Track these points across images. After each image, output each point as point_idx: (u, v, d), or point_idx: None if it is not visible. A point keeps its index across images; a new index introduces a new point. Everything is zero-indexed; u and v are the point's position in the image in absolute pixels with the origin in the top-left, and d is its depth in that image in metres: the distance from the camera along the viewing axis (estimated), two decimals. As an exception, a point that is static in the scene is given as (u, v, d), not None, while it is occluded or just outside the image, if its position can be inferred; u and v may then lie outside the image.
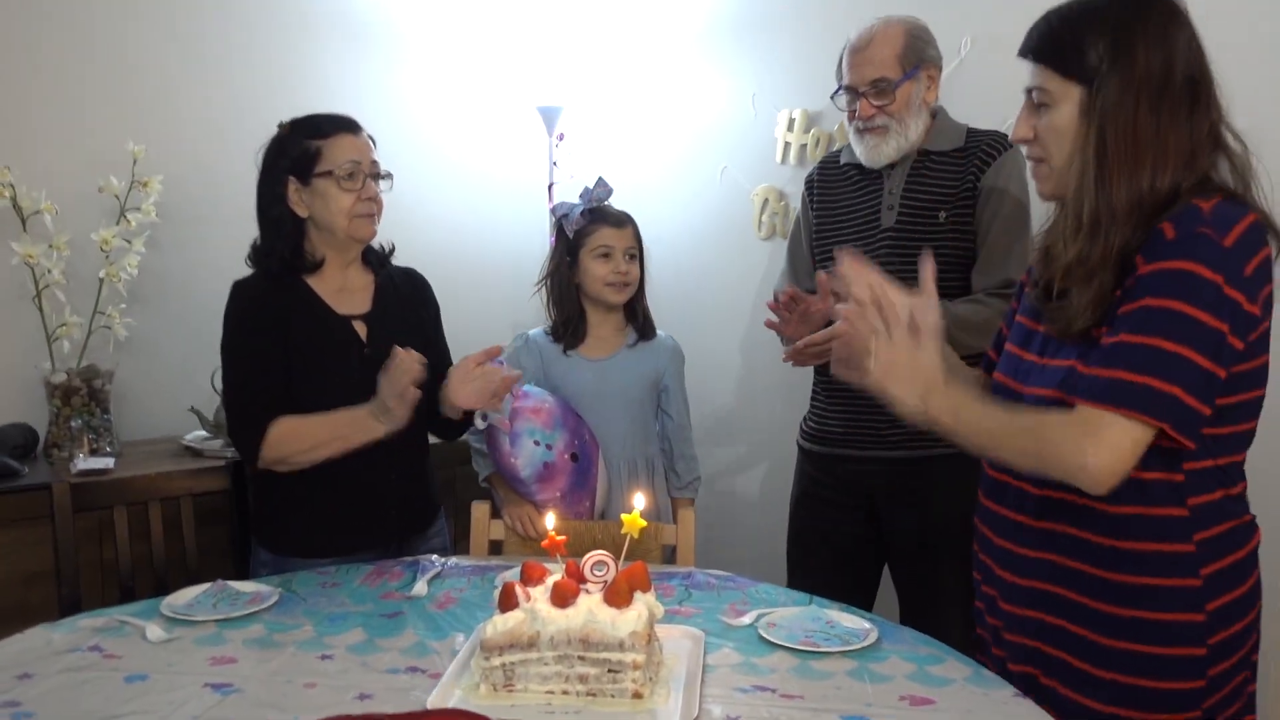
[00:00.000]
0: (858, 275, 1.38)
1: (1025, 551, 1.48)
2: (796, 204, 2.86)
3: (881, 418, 2.15)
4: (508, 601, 1.43)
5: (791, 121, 2.84)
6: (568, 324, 2.32)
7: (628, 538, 1.49)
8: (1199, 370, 1.26)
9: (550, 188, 3.27)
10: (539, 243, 3.40)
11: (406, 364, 1.81)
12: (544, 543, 1.49)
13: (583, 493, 2.15)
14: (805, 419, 2.36)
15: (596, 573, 1.46)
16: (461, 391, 1.95)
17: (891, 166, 2.16)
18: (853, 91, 2.13)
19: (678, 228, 3.06)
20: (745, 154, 3.00)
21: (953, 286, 2.05)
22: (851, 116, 2.15)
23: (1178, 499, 1.36)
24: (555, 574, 1.48)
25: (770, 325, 2.20)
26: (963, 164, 2.10)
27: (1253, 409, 1.39)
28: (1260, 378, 1.37)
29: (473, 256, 3.23)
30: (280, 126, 1.99)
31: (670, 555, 2.21)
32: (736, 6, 2.99)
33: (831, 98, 2.19)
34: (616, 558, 1.47)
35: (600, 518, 2.24)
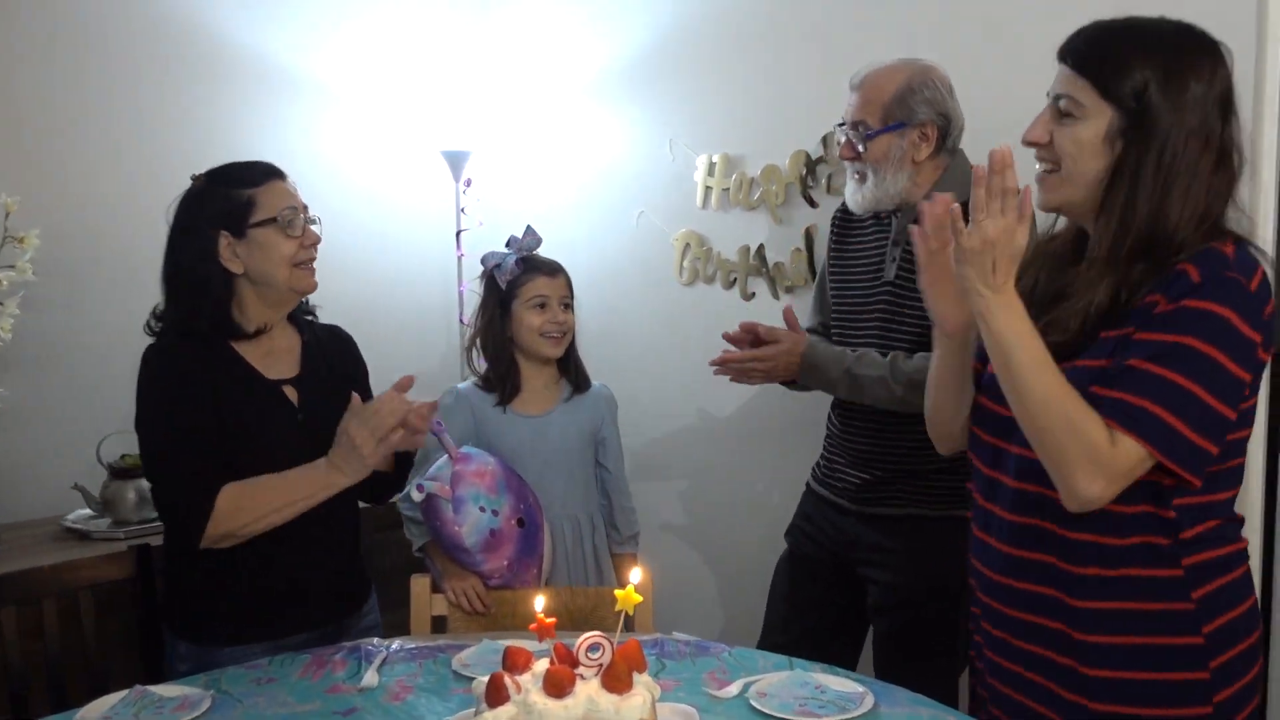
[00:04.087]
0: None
1: (1009, 581, 1.46)
2: (719, 249, 2.85)
3: (858, 476, 2.13)
4: (497, 694, 1.30)
5: (712, 165, 2.80)
6: (501, 379, 2.21)
7: (622, 614, 1.38)
8: (1217, 415, 1.29)
9: (458, 235, 3.14)
10: (445, 292, 3.27)
11: (392, 404, 1.66)
12: (532, 626, 1.36)
13: (530, 560, 2.03)
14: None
15: (591, 655, 1.34)
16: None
17: (896, 216, 2.09)
18: (842, 124, 2.09)
19: (595, 274, 2.97)
20: (664, 199, 2.94)
21: None
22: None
23: (1166, 530, 1.36)
24: (541, 659, 1.36)
25: (721, 358, 2.15)
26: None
27: (1243, 445, 1.41)
28: (1251, 416, 1.39)
29: (376, 307, 3.05)
30: (194, 179, 1.82)
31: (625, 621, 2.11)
32: (651, 50, 2.94)
33: (839, 126, 2.13)
34: (611, 636, 1.36)
35: (545, 584, 2.12)
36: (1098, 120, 1.35)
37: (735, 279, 2.80)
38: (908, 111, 2.02)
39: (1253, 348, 1.30)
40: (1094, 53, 1.36)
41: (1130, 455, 1.28)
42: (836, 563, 2.19)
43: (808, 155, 2.62)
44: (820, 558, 2.21)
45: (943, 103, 2.04)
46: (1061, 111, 1.38)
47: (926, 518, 2.05)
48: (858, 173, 2.08)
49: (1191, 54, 1.34)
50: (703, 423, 2.94)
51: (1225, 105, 1.35)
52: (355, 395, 1.71)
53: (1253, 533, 2.18)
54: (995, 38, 2.31)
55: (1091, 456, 1.28)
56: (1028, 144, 1.41)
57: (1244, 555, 1.43)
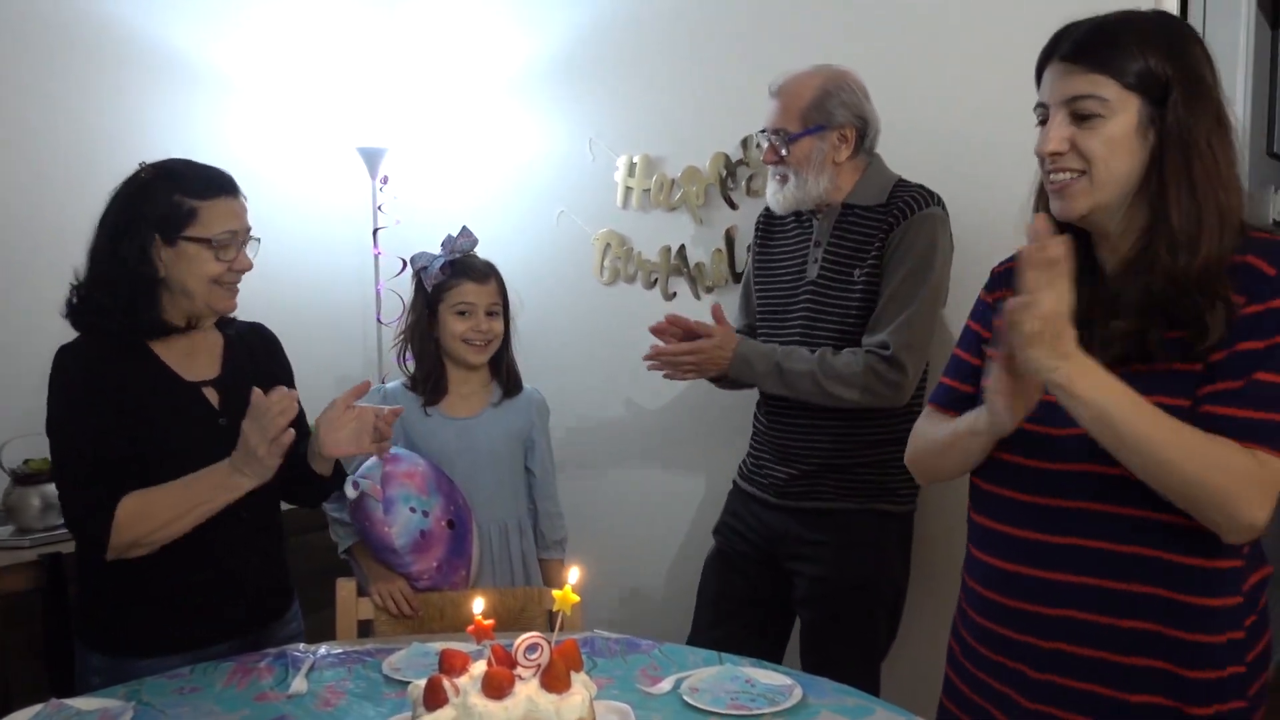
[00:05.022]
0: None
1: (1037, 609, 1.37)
2: (640, 249, 2.87)
3: (784, 471, 2.17)
4: (435, 697, 1.29)
5: (632, 166, 2.82)
6: (428, 380, 2.19)
7: (560, 615, 1.39)
8: None
9: (375, 233, 3.09)
10: (362, 291, 3.22)
11: (282, 403, 1.60)
12: (469, 628, 1.36)
13: (459, 561, 2.02)
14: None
15: (529, 656, 1.35)
16: (334, 438, 1.77)
17: (817, 217, 2.15)
18: (764, 131, 2.13)
19: (515, 273, 2.93)
20: (584, 198, 2.94)
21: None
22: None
23: (1236, 551, 1.30)
24: (478, 660, 1.36)
25: (654, 353, 2.18)
26: (880, 220, 2.06)
27: None
28: None
29: (291, 306, 2.96)
30: (142, 169, 1.75)
31: (551, 621, 2.11)
32: (572, 48, 2.94)
33: (760, 133, 2.18)
34: (548, 636, 1.36)
35: (472, 586, 2.11)
36: (1125, 114, 1.27)
37: (656, 279, 2.82)
38: (826, 115, 2.08)
39: None
40: (1103, 46, 1.28)
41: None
42: (764, 557, 2.23)
43: (727, 157, 2.67)
44: (748, 553, 2.25)
45: (859, 105, 2.10)
46: (1080, 114, 1.29)
47: (850, 511, 2.11)
48: (780, 175, 2.13)
49: (1186, 37, 1.30)
50: (624, 421, 2.96)
51: (1218, 84, 1.31)
52: (256, 391, 1.64)
53: None
54: (911, 42, 2.38)
55: (1248, 482, 1.21)
56: (1049, 155, 1.31)
57: (1269, 579, 1.39)
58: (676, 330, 2.18)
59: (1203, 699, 1.30)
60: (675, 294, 2.80)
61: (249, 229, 1.80)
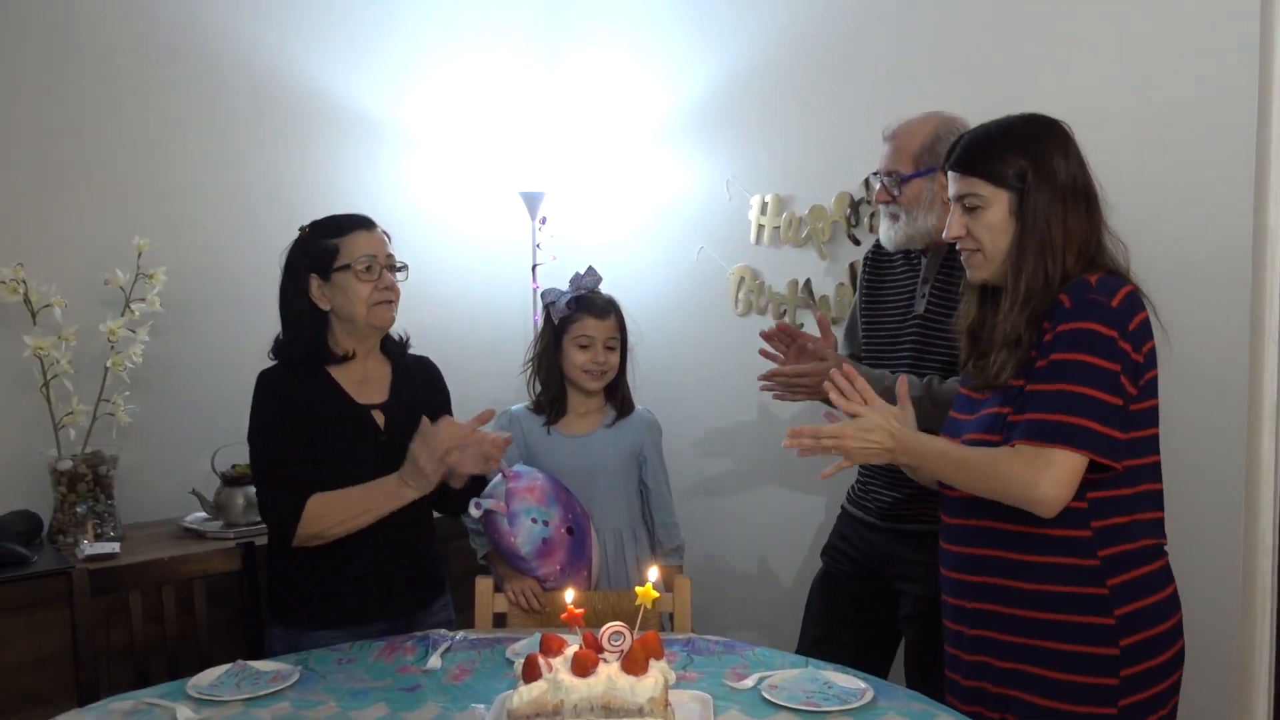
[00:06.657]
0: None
1: (962, 576, 1.77)
2: (770, 282, 3.04)
3: (891, 495, 2.29)
4: (531, 672, 1.52)
5: (765, 205, 3.01)
6: (552, 402, 2.44)
7: (641, 608, 1.59)
8: (1106, 405, 1.59)
9: (534, 269, 3.40)
10: (522, 322, 3.54)
11: (450, 430, 1.95)
12: (563, 615, 1.58)
13: (580, 563, 2.25)
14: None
15: (614, 642, 1.56)
16: (460, 458, 2.03)
17: (925, 255, 2.26)
18: (877, 174, 2.27)
19: (657, 305, 3.20)
20: (721, 235, 3.15)
21: None
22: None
23: (1081, 522, 1.64)
24: (573, 644, 1.58)
25: (764, 354, 2.33)
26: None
27: (1149, 445, 1.69)
28: (1152, 418, 1.69)
29: (459, 336, 3.32)
30: (301, 230, 2.12)
31: (667, 622, 2.31)
32: (710, 98, 3.17)
33: (874, 175, 2.32)
34: (631, 627, 1.57)
35: (595, 587, 2.34)
36: (999, 205, 1.69)
37: (785, 311, 2.99)
38: (936, 157, 2.18)
39: (1112, 342, 1.59)
40: (978, 155, 1.71)
41: (1058, 461, 1.58)
42: (870, 578, 2.34)
43: (851, 196, 2.81)
44: (854, 574, 2.37)
45: None
46: (968, 208, 1.71)
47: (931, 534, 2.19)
48: (891, 214, 2.26)
49: (1046, 133, 1.69)
50: (753, 442, 3.13)
51: (1081, 161, 1.70)
52: (424, 419, 1.98)
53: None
54: (1022, 93, 2.45)
55: (1011, 472, 1.60)
56: (950, 239, 1.76)
57: (1160, 550, 1.71)
58: (785, 337, 2.32)
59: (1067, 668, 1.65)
60: (802, 324, 2.94)
61: (390, 255, 2.11)
